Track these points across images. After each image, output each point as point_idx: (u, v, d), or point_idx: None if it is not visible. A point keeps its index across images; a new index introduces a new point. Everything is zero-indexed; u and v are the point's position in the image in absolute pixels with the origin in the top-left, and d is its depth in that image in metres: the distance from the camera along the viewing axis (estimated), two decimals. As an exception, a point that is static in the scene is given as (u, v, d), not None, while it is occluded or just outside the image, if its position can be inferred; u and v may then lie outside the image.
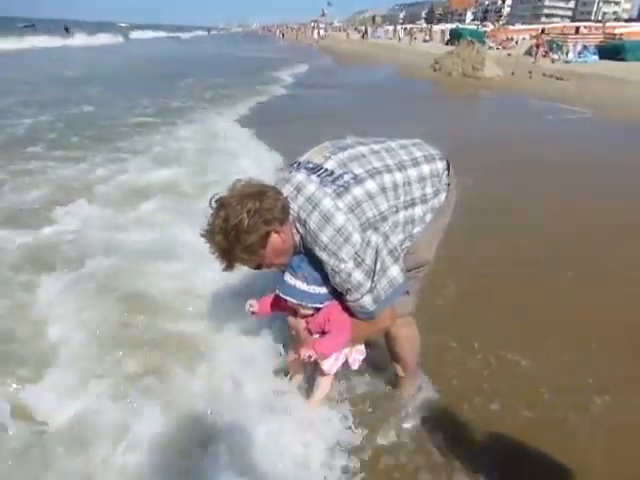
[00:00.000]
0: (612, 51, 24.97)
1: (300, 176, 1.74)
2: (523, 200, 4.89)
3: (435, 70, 17.72)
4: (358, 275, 1.67)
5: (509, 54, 26.21)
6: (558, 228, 4.22)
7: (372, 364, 2.34)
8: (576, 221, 4.34)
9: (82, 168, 5.41)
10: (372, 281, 1.68)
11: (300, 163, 1.81)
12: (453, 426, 2.13)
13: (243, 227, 1.57)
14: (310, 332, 1.88)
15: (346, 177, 1.69)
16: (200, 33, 77.02)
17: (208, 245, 1.66)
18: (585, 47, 26.12)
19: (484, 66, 16.80)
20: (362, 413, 2.16)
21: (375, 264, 1.67)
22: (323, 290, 1.78)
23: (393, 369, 2.26)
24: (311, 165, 1.76)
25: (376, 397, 2.26)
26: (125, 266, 3.14)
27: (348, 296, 1.73)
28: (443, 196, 1.92)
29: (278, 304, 1.94)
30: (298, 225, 1.70)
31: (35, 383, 2.14)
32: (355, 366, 2.03)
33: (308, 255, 1.74)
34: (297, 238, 1.73)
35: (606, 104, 11.62)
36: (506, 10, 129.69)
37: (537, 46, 24.43)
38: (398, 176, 1.79)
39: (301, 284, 1.75)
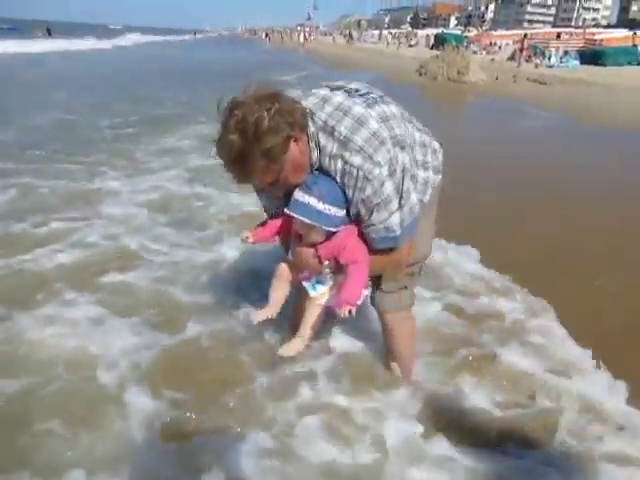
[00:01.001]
0: (593, 56, 25.47)
1: (324, 91, 1.62)
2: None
3: (420, 74, 17.87)
4: (389, 186, 1.54)
5: (493, 59, 26.58)
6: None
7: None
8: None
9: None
10: (401, 199, 1.59)
11: (320, 86, 1.68)
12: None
13: (263, 126, 1.37)
14: (320, 260, 1.70)
15: (373, 95, 1.61)
16: (187, 37, 75.74)
17: (220, 154, 1.44)
18: (567, 52, 26.64)
19: (469, 70, 17.00)
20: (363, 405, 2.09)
21: (403, 182, 1.58)
22: (340, 212, 1.59)
23: (390, 368, 2.25)
24: (334, 85, 1.66)
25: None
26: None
27: (374, 216, 1.58)
28: (439, 177, 1.87)
29: (277, 230, 1.79)
30: (321, 136, 1.53)
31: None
32: (360, 301, 1.76)
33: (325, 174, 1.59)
34: (314, 155, 1.55)
35: (586, 108, 11.83)
36: (489, 16, 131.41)
37: (520, 51, 24.82)
38: (409, 129, 1.69)
39: (316, 202, 1.54)
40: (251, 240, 1.76)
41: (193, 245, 3.65)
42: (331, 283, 1.79)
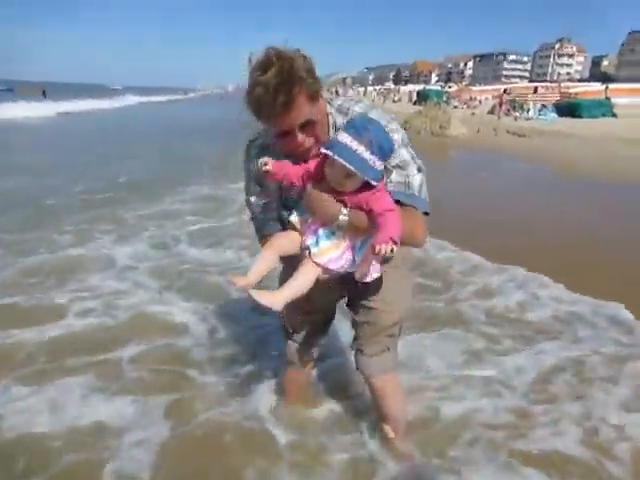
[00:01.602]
0: (569, 109, 26.57)
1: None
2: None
3: (405, 129, 18.23)
4: (405, 153, 1.62)
5: (473, 113, 27.59)
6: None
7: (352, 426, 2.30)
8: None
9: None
10: (419, 168, 1.65)
11: None
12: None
13: (307, 65, 1.42)
14: (343, 205, 1.53)
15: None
16: (178, 97, 76.63)
17: (261, 80, 1.37)
18: (544, 106, 27.76)
19: (450, 125, 17.66)
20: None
21: (416, 159, 1.66)
22: (381, 167, 1.47)
23: (382, 431, 2.22)
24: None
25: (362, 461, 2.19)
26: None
27: (393, 176, 1.59)
28: None
29: (300, 175, 1.57)
30: (337, 116, 1.64)
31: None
32: (369, 278, 1.66)
33: None
34: (331, 132, 1.63)
35: (563, 159, 12.27)
36: (468, 72, 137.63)
37: (500, 105, 25.84)
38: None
39: (364, 150, 1.40)
40: (269, 167, 1.54)
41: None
42: (336, 242, 1.55)
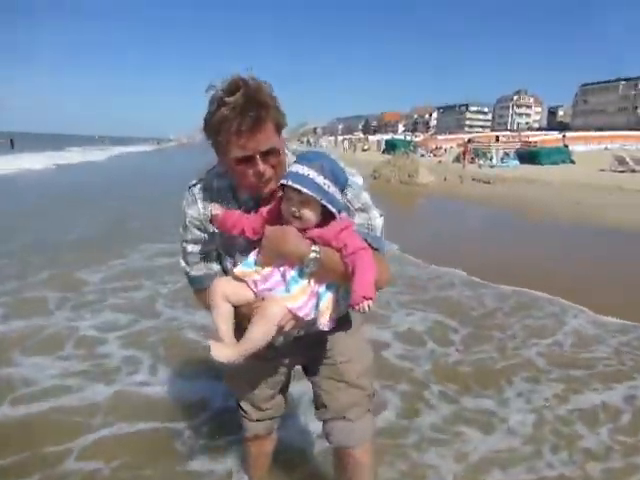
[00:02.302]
0: (530, 156, 27.89)
1: None
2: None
3: (375, 178, 18.98)
4: (367, 196, 1.59)
5: (440, 161, 28.63)
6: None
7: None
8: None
9: None
10: (379, 211, 1.62)
11: None
12: None
13: (273, 95, 1.39)
14: (310, 241, 1.41)
15: None
16: (148, 148, 74.10)
17: (232, 99, 1.31)
18: (507, 153, 29.05)
19: (418, 173, 18.24)
20: None
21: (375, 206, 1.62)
22: (339, 196, 1.40)
23: None
24: None
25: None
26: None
27: (356, 218, 1.53)
28: None
29: (246, 227, 1.46)
30: (291, 158, 1.54)
31: None
32: (326, 327, 1.48)
33: None
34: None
35: (525, 204, 12.76)
36: (433, 122, 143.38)
37: (464, 153, 26.92)
38: None
39: (316, 175, 1.34)
40: (218, 212, 1.48)
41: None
42: (304, 285, 1.42)
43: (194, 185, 1.57)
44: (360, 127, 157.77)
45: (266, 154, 1.38)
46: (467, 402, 3.12)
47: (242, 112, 1.31)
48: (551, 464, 2.54)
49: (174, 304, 4.71)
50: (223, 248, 1.58)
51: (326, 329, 1.48)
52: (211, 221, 1.50)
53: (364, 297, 1.31)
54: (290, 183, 1.33)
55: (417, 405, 3.08)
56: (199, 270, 1.63)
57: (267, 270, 1.43)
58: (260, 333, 1.41)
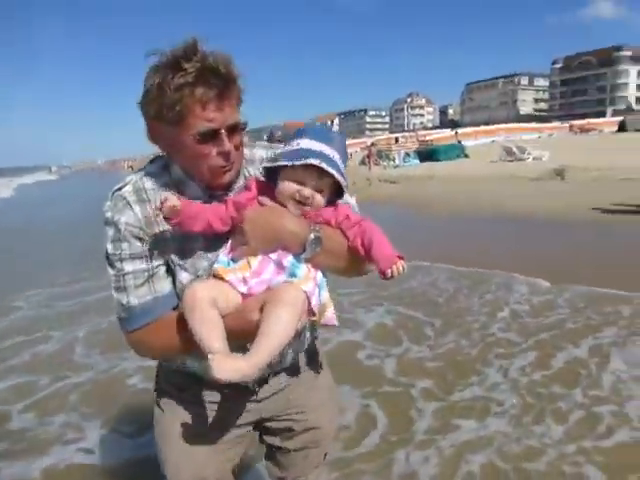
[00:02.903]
0: (428, 154, 29.52)
1: None
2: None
3: (285, 188, 19.07)
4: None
5: (346, 165, 29.34)
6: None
7: None
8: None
9: None
10: None
11: None
12: None
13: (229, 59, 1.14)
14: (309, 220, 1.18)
15: None
16: (48, 177, 67.64)
17: (194, 65, 1.06)
18: (407, 153, 30.51)
19: (328, 179, 18.54)
20: None
21: None
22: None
23: None
24: None
25: None
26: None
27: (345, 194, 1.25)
28: None
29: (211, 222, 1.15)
30: (246, 149, 1.30)
31: None
32: (335, 321, 1.22)
33: None
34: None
35: (426, 200, 13.46)
36: (335, 127, 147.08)
37: (369, 156, 27.87)
38: None
39: (338, 157, 1.16)
40: (175, 203, 1.10)
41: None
42: (306, 268, 1.16)
43: (121, 188, 1.21)
44: (265, 138, 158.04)
45: (232, 130, 1.15)
46: (455, 396, 3.28)
47: (206, 79, 1.07)
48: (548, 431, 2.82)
49: (91, 352, 4.27)
50: (179, 254, 1.20)
51: (336, 323, 1.21)
52: (166, 218, 1.11)
53: (398, 256, 1.11)
54: (325, 166, 1.10)
55: (407, 412, 3.13)
56: (144, 295, 1.19)
57: (256, 262, 1.13)
58: (282, 326, 1.04)
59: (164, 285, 1.21)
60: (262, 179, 1.21)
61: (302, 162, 1.09)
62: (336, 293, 1.74)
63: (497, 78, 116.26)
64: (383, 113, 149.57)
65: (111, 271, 1.21)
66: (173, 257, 1.21)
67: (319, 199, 1.15)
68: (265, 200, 1.16)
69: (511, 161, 23.87)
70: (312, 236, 1.12)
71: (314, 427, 1.43)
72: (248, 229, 1.12)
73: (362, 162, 29.29)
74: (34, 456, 2.87)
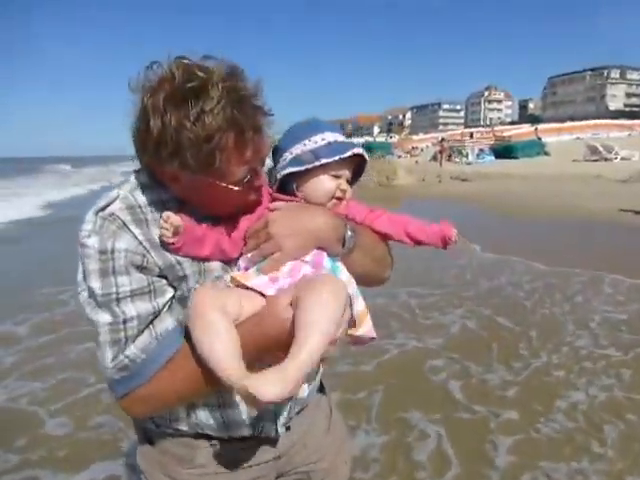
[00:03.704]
0: (505, 151, 28.21)
1: None
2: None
3: (353, 182, 18.95)
4: None
5: (416, 161, 28.73)
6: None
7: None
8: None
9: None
10: None
11: None
12: None
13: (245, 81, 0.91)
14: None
15: None
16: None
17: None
18: (482, 150, 29.33)
19: (397, 175, 18.25)
20: None
21: None
22: None
23: None
24: None
25: None
26: None
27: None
28: None
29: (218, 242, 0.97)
30: None
31: None
32: (374, 334, 0.99)
33: None
34: None
35: (503, 200, 12.79)
36: (407, 122, 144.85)
37: (440, 152, 27.10)
38: None
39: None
40: (179, 222, 0.90)
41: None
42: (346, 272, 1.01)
43: (107, 206, 0.93)
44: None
45: (261, 159, 0.98)
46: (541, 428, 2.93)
47: (238, 120, 0.85)
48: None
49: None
50: (197, 278, 0.96)
51: (374, 335, 0.98)
52: (163, 241, 0.91)
53: (447, 230, 1.04)
54: (366, 155, 1.06)
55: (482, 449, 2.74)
56: (144, 341, 0.93)
57: (287, 266, 0.95)
58: (326, 313, 0.83)
59: (167, 323, 0.95)
60: (269, 185, 1.05)
61: (349, 154, 1.01)
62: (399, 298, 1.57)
63: (584, 71, 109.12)
64: (458, 107, 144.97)
65: (103, 318, 0.91)
66: (191, 283, 0.95)
67: (350, 192, 1.07)
68: (280, 203, 1.02)
69: (596, 160, 22.31)
70: (349, 229, 1.00)
71: (331, 473, 1.26)
72: (276, 232, 0.94)
73: (433, 158, 28.54)
74: (77, 466, 2.65)
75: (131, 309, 0.91)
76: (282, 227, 0.94)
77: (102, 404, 3.18)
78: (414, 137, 57.69)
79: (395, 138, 54.64)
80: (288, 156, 1.03)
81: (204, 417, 1.04)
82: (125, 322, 0.91)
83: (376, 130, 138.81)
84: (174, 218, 0.89)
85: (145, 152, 0.89)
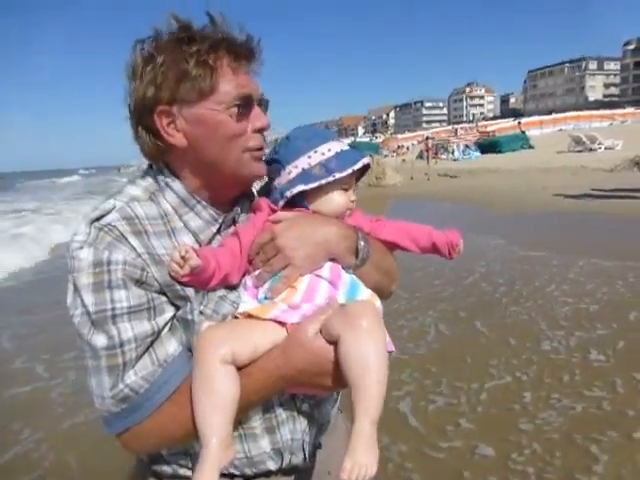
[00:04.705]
0: (490, 146, 28.48)
1: None
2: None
3: (342, 184, 18.94)
4: None
5: (403, 160, 28.84)
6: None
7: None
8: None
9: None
10: None
11: None
12: None
13: None
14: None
15: None
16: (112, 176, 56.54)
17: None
18: (467, 146, 29.57)
19: (385, 175, 18.28)
20: None
21: None
22: None
23: None
24: None
25: None
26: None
27: None
28: None
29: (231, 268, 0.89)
30: None
31: None
32: (391, 346, 0.87)
33: None
34: None
35: (491, 195, 12.90)
36: (391, 122, 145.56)
37: (427, 150, 27.23)
38: None
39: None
40: (195, 259, 0.81)
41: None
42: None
43: (103, 216, 0.86)
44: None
45: (261, 104, 0.94)
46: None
47: (230, 42, 0.87)
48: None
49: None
50: (199, 299, 0.88)
51: (392, 349, 0.88)
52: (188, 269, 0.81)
53: (454, 237, 0.99)
54: (369, 161, 1.00)
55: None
56: (145, 366, 0.84)
57: (303, 283, 0.88)
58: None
59: (169, 347, 0.86)
60: (274, 203, 0.96)
61: (360, 165, 0.95)
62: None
63: (562, 63, 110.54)
64: (441, 104, 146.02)
65: (99, 341, 0.82)
66: (194, 304, 0.87)
67: (355, 202, 1.01)
68: (285, 214, 0.94)
69: (580, 151, 22.58)
70: (361, 238, 0.94)
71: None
72: (285, 244, 0.87)
73: (419, 156, 28.68)
74: None
75: (128, 329, 0.82)
76: (290, 239, 0.88)
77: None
78: (399, 136, 57.94)
79: (380, 138, 54.81)
80: (294, 170, 0.95)
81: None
82: (122, 345, 0.82)
83: (361, 130, 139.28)
84: (192, 255, 0.80)
85: (145, 107, 0.86)
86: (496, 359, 3.66)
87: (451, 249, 0.99)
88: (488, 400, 3.13)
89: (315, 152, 0.95)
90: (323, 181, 0.92)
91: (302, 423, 0.96)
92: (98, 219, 0.85)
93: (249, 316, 0.86)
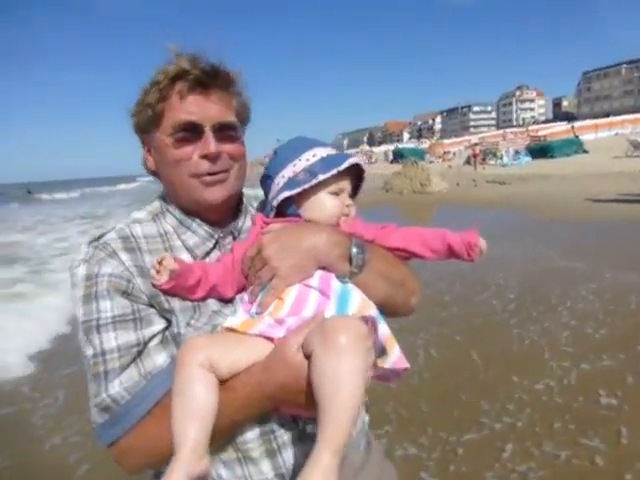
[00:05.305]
0: (541, 151, 27.45)
1: None
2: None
3: (387, 190, 18.69)
4: None
5: (450, 166, 28.26)
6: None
7: None
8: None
9: None
10: None
11: None
12: None
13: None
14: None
15: None
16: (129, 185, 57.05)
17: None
18: (517, 151, 28.64)
19: (430, 182, 17.92)
20: None
21: None
22: None
23: None
24: None
25: None
26: None
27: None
28: None
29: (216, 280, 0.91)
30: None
31: None
32: (404, 363, 0.85)
33: None
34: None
35: (540, 202, 12.36)
36: (437, 127, 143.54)
37: (474, 156, 26.59)
38: None
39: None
40: (174, 266, 0.85)
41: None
42: (360, 293, 0.90)
43: (101, 237, 0.93)
44: (365, 140, 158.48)
45: (222, 130, 0.93)
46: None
47: (186, 72, 0.91)
48: None
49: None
50: (189, 313, 0.90)
51: (407, 365, 0.85)
52: (169, 276, 0.85)
53: (472, 238, 0.90)
54: (359, 162, 0.95)
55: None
56: (130, 378, 0.85)
57: (291, 295, 0.85)
58: (349, 387, 0.70)
59: (157, 359, 0.86)
60: (265, 216, 0.96)
61: (346, 165, 0.91)
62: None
63: (620, 64, 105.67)
64: (489, 108, 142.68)
65: (88, 351, 0.85)
66: (179, 317, 0.88)
67: (354, 207, 0.97)
68: (274, 225, 0.93)
69: (639, 156, 21.38)
70: (354, 245, 0.87)
71: None
72: (271, 254, 0.85)
73: (467, 162, 28.02)
74: None
75: (111, 339, 0.85)
76: (275, 249, 0.85)
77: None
78: (445, 141, 56.94)
79: (426, 144, 54.07)
80: (281, 180, 0.94)
81: (225, 476, 0.88)
82: (104, 354, 0.85)
83: (406, 136, 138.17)
84: (169, 261, 0.85)
85: (137, 132, 0.98)
86: (488, 405, 3.18)
87: (469, 250, 0.90)
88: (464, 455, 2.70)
89: (299, 160, 0.94)
90: (306, 185, 0.90)
91: (307, 446, 0.80)
92: (98, 239, 0.93)
93: (232, 330, 0.83)
